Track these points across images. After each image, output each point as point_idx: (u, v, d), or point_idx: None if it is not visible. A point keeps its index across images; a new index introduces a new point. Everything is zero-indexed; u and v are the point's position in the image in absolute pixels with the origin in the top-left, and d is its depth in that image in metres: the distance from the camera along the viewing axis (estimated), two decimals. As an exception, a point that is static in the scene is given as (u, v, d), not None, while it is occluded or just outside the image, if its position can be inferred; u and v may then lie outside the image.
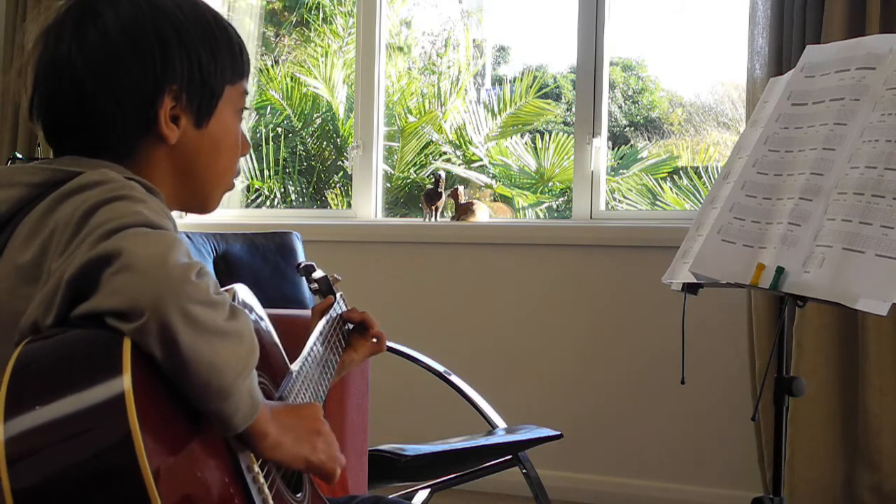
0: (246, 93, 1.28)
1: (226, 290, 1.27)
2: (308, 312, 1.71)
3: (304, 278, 1.74)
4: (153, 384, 0.96)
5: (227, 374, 0.98)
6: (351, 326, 1.68)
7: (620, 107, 5.68)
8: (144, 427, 0.90)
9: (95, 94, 1.16)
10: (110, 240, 0.98)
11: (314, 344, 1.51)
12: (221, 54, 1.22)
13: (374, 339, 1.69)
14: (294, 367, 1.41)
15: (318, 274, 1.72)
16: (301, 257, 2.81)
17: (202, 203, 1.28)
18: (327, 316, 1.61)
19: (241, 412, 1.01)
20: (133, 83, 1.16)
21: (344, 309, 1.70)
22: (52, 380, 0.93)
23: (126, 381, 0.91)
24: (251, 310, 1.34)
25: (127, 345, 0.94)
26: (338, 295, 1.70)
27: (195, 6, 1.22)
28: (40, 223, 1.07)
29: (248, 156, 4.99)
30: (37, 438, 0.90)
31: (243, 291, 1.34)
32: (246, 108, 1.30)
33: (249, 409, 1.02)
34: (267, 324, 1.40)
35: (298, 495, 1.24)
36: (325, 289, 1.70)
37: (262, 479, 1.09)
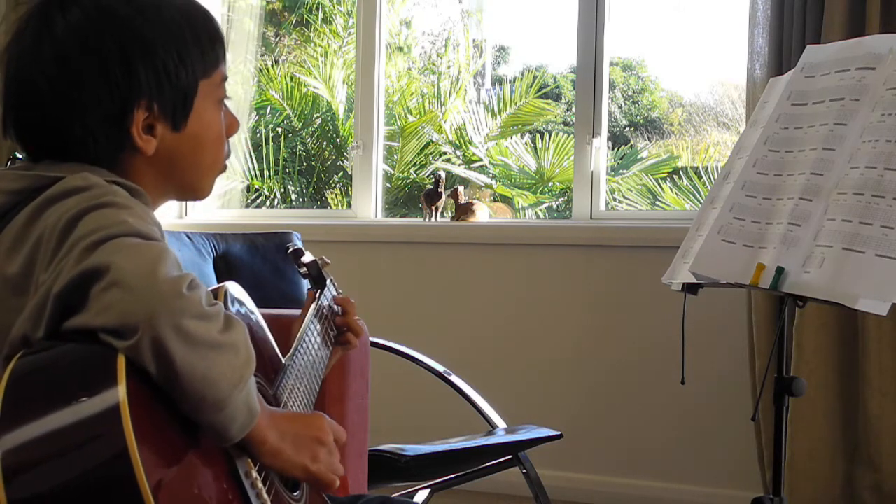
0: (225, 78, 1.24)
1: (217, 288, 1.26)
2: None
3: (294, 263, 1.70)
4: (148, 394, 0.96)
5: (222, 386, 0.97)
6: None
7: (620, 107, 5.67)
8: (140, 437, 0.90)
9: (63, 119, 1.12)
10: (96, 252, 0.96)
11: (306, 333, 1.48)
12: (189, 52, 1.17)
13: (345, 329, 1.60)
14: (287, 360, 1.40)
15: (307, 258, 1.67)
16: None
17: (195, 194, 1.28)
18: (316, 302, 1.57)
19: (237, 423, 1.00)
20: (99, 104, 1.12)
21: (335, 292, 1.65)
22: (48, 392, 0.93)
23: (121, 392, 0.91)
24: (242, 304, 1.33)
25: (121, 356, 0.94)
26: (328, 280, 1.66)
27: (158, 5, 1.17)
28: (24, 232, 1.05)
29: (248, 156, 5.00)
30: (33, 451, 0.90)
31: (234, 288, 1.33)
32: (228, 98, 1.27)
33: (246, 419, 1.01)
34: (258, 318, 1.39)
35: (296, 494, 1.24)
36: (315, 273, 1.66)
37: (260, 485, 1.08)
